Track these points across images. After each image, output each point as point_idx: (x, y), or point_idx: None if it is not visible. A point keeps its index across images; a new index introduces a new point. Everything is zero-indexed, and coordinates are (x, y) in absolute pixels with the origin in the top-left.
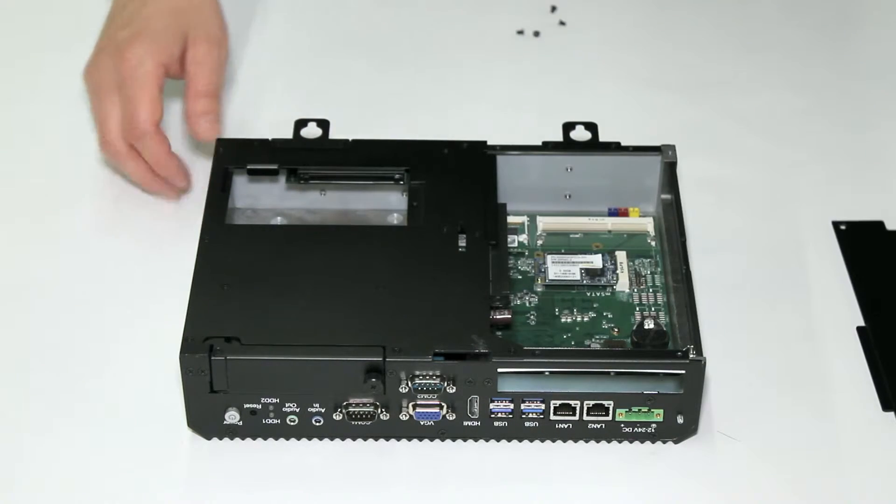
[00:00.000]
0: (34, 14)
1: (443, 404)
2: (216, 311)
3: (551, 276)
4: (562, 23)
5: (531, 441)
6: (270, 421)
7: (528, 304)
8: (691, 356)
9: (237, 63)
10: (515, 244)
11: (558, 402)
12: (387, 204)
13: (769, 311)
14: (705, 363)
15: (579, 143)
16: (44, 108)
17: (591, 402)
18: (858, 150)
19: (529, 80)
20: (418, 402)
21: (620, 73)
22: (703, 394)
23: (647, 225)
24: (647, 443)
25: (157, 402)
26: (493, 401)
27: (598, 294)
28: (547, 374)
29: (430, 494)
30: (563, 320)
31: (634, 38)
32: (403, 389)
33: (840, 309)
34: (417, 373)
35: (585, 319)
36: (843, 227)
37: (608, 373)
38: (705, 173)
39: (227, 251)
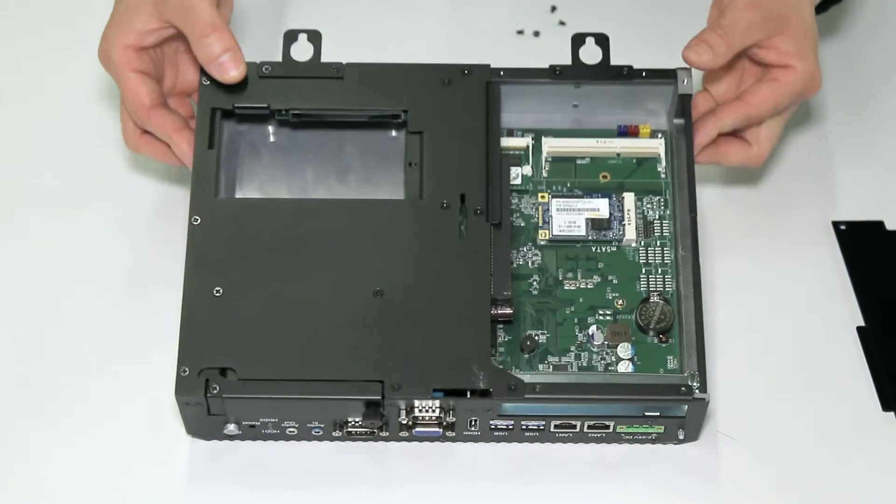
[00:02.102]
0: (38, 13)
1: (443, 423)
2: (209, 334)
3: (556, 230)
4: (562, 23)
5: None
6: (270, 431)
7: (530, 265)
8: (695, 395)
9: None
10: (519, 179)
11: (559, 421)
12: (384, 141)
13: (769, 310)
14: (708, 402)
15: (589, 66)
16: (46, 109)
17: (593, 421)
18: (858, 150)
19: None
20: (418, 424)
21: None
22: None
23: (659, 147)
24: (648, 444)
25: (157, 402)
26: (493, 419)
27: (604, 249)
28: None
29: (430, 495)
30: (566, 287)
31: (634, 38)
32: (403, 420)
33: (840, 309)
34: (417, 405)
35: (590, 286)
36: (843, 227)
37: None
38: (705, 173)
39: (217, 240)
